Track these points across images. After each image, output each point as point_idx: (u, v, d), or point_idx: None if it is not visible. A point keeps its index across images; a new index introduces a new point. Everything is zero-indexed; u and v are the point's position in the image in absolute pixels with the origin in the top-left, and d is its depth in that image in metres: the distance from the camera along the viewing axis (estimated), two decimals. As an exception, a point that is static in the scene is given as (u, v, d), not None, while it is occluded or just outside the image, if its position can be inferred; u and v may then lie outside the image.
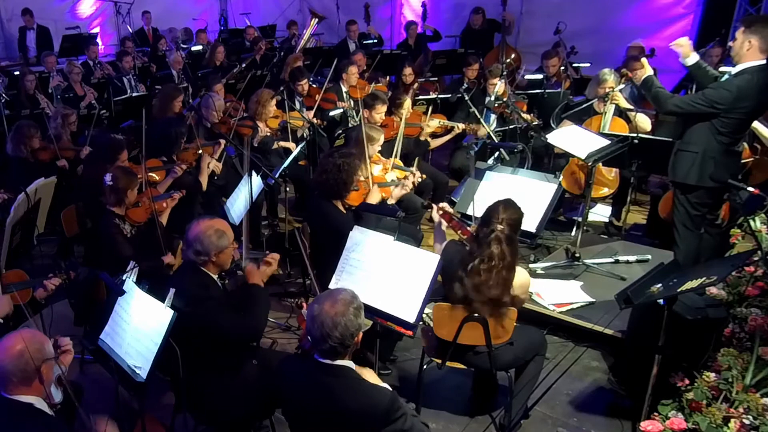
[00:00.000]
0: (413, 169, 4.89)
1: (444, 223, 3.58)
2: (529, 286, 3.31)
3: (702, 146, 3.92)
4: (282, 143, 5.94)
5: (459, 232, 3.47)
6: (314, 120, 6.06)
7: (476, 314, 3.08)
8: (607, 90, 5.39)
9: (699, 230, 4.16)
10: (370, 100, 5.47)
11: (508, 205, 3.13)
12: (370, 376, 2.50)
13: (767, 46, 3.72)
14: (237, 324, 2.93)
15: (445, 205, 3.65)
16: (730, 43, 3.95)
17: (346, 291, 2.45)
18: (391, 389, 2.45)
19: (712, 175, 3.94)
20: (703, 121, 3.89)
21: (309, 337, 2.41)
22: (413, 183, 4.67)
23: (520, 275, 3.18)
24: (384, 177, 4.82)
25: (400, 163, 5.16)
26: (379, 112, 5.40)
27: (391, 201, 4.61)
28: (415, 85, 7.19)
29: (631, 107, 5.43)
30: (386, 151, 5.17)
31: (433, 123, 5.88)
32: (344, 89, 6.75)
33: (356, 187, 4.29)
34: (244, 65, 8.28)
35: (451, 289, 3.15)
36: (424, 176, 5.29)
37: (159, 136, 4.94)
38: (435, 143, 6.27)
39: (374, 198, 4.36)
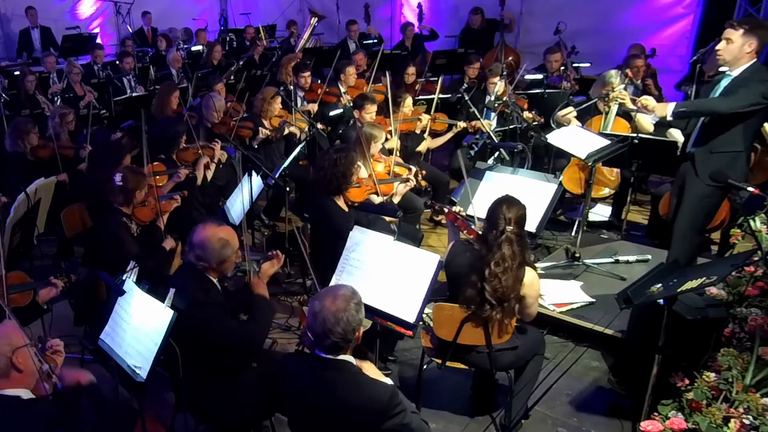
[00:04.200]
0: (412, 166, 4.91)
1: None
2: (537, 284, 3.20)
3: (740, 146, 3.88)
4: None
5: (465, 231, 3.44)
6: (318, 125, 6.03)
7: (485, 315, 3.06)
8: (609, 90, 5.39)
9: (702, 234, 4.12)
10: (359, 101, 5.49)
11: (511, 203, 3.11)
12: (370, 369, 2.50)
13: (760, 49, 3.75)
14: (237, 332, 2.90)
15: (459, 208, 3.64)
16: (719, 46, 3.85)
17: (346, 287, 2.46)
18: (391, 383, 2.45)
19: (712, 175, 3.91)
20: (742, 122, 3.82)
21: (309, 334, 2.41)
22: (417, 179, 4.72)
23: (529, 274, 3.13)
24: (386, 174, 4.83)
25: (401, 161, 5.18)
26: (369, 112, 5.41)
27: (396, 199, 4.64)
28: (417, 86, 7.18)
29: (635, 107, 5.43)
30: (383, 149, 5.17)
31: (425, 116, 5.87)
32: (342, 89, 6.74)
33: (357, 184, 4.29)
34: (241, 62, 8.28)
35: (463, 292, 3.12)
36: (424, 172, 5.31)
37: (158, 136, 4.94)
38: (436, 143, 6.27)
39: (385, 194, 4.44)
